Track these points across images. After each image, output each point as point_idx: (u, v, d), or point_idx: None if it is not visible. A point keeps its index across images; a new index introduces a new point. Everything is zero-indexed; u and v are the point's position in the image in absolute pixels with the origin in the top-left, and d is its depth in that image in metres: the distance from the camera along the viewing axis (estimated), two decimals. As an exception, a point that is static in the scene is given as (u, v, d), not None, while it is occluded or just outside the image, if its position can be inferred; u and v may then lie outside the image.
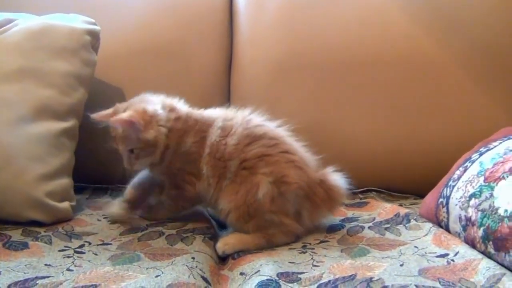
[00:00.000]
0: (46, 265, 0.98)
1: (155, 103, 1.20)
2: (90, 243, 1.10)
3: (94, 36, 1.41)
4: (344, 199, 1.22)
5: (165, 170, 1.22)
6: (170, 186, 1.23)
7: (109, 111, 1.20)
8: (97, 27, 1.43)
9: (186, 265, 0.95)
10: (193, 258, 1.00)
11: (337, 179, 1.18)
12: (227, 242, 1.12)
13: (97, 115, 1.19)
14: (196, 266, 0.96)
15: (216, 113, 1.24)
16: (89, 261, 1.00)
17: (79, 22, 1.41)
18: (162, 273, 0.92)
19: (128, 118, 1.13)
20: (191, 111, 1.24)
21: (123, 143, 1.18)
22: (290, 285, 0.91)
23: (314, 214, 1.18)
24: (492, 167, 1.07)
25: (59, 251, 1.05)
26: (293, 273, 0.95)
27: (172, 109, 1.21)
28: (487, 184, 1.05)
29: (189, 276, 0.91)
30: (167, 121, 1.18)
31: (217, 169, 1.16)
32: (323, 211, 1.19)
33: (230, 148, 1.16)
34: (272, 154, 1.15)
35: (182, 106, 1.24)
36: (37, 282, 0.90)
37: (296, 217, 1.15)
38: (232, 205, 1.13)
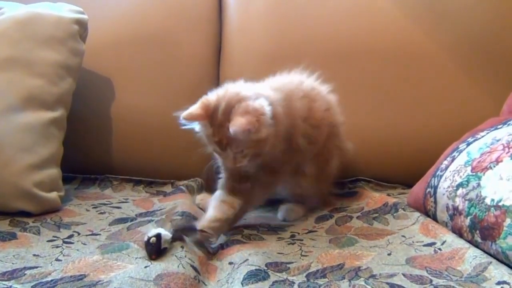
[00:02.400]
0: (34, 255, 0.97)
1: (254, 95, 1.10)
2: (79, 233, 1.10)
3: (82, 25, 1.40)
4: None
5: (266, 158, 1.13)
6: (264, 174, 1.17)
7: (198, 109, 1.08)
8: (85, 16, 1.42)
9: (175, 255, 0.95)
10: (182, 247, 0.99)
11: None
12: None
13: (189, 115, 1.07)
14: (185, 256, 0.96)
15: (286, 80, 1.24)
16: (77, 250, 1.00)
17: (66, 11, 1.40)
18: (151, 263, 0.92)
19: (246, 126, 1.02)
20: (269, 90, 1.16)
21: (231, 146, 1.08)
22: (279, 274, 0.91)
23: None
24: (480, 157, 1.08)
25: (48, 241, 1.05)
26: (281, 263, 0.96)
27: (267, 96, 1.12)
28: (474, 174, 1.05)
29: (178, 266, 0.91)
30: (272, 113, 1.08)
31: (311, 137, 1.20)
32: None
33: (320, 114, 1.22)
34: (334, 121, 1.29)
35: (266, 88, 1.17)
36: (26, 272, 0.89)
37: None
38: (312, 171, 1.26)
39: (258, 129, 1.04)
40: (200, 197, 1.37)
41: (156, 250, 0.96)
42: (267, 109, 1.07)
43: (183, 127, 1.11)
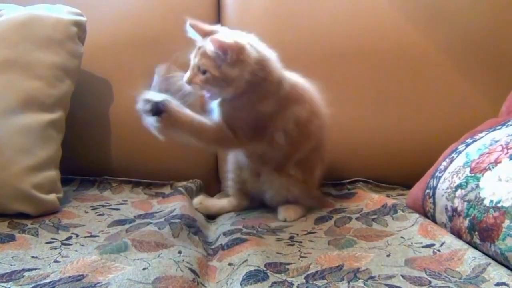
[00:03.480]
0: (33, 257, 0.97)
1: (256, 45, 1.16)
2: (77, 235, 1.10)
3: (80, 27, 1.40)
4: None
5: (226, 110, 1.18)
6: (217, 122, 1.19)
7: (205, 25, 1.15)
8: (83, 18, 1.42)
9: (173, 260, 0.95)
10: (179, 252, 1.00)
11: None
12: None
13: (196, 25, 1.14)
14: (183, 260, 0.96)
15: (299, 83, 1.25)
16: (76, 251, 1.00)
17: (65, 13, 1.40)
18: (150, 265, 0.92)
19: (228, 44, 1.08)
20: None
21: (201, 59, 1.12)
22: (278, 275, 0.91)
23: None
24: (478, 158, 1.08)
25: (46, 243, 1.05)
26: (280, 263, 0.96)
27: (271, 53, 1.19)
28: (473, 175, 1.05)
29: (176, 270, 0.91)
30: (256, 64, 1.13)
31: (297, 144, 1.22)
32: None
33: (313, 128, 1.24)
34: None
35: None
36: (24, 274, 0.89)
37: None
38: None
39: (232, 64, 1.09)
40: (198, 200, 1.36)
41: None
42: (255, 54, 1.12)
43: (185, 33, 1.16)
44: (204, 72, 1.11)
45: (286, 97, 1.19)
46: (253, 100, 1.15)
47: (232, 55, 1.08)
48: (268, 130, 1.19)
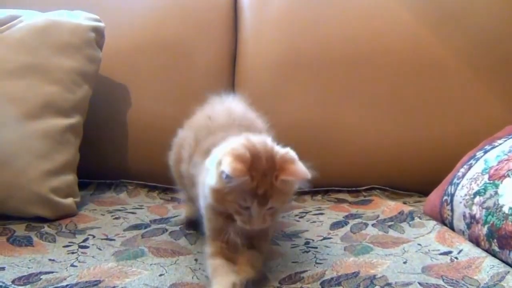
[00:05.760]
0: (50, 260, 0.98)
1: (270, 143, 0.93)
2: (94, 236, 1.10)
3: (98, 32, 1.42)
4: None
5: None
6: None
7: (239, 164, 0.85)
8: (101, 24, 1.43)
9: (190, 267, 0.96)
10: (196, 260, 1.00)
11: None
12: None
13: (237, 172, 0.84)
14: (199, 268, 0.96)
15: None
16: (93, 256, 1.01)
17: (83, 18, 1.41)
18: (166, 272, 0.92)
19: (306, 174, 0.88)
20: None
21: (272, 199, 0.88)
22: (293, 286, 0.90)
23: None
24: (497, 165, 1.07)
25: (63, 246, 1.05)
26: (296, 274, 0.95)
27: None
28: (491, 182, 1.04)
29: (192, 277, 0.92)
30: None
31: None
32: None
33: None
34: None
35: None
36: (41, 277, 0.90)
37: None
38: None
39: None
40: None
41: None
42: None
43: (229, 185, 0.87)
44: (271, 208, 0.90)
45: None
46: None
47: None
48: None
